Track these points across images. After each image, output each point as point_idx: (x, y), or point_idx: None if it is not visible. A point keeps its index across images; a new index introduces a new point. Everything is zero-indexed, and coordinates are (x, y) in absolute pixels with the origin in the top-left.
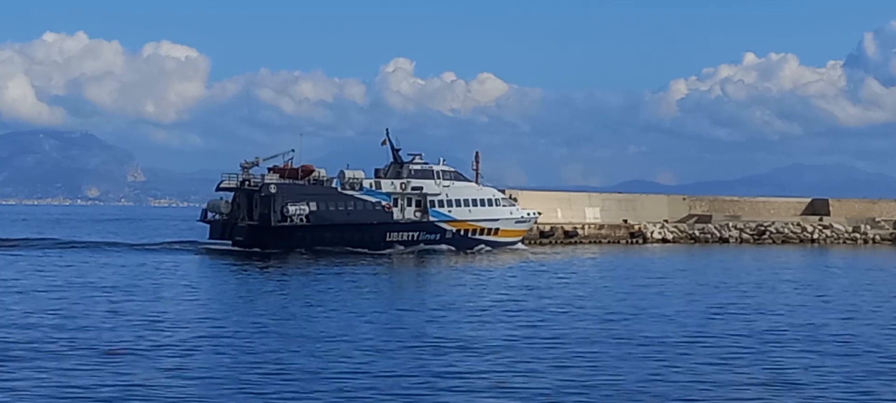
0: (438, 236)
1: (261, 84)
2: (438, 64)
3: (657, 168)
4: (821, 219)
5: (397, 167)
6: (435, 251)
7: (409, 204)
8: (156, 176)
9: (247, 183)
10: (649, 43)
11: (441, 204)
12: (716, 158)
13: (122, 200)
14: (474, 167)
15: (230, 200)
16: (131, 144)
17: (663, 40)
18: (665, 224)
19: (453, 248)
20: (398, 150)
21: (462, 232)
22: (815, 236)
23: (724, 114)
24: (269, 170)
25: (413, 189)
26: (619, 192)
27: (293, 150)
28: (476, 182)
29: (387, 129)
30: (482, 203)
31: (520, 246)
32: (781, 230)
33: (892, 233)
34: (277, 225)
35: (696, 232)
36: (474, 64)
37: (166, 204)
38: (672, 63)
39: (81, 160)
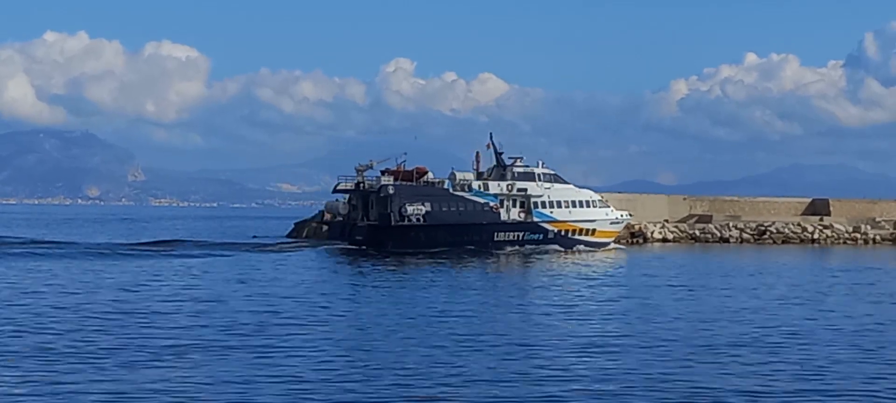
0: (541, 236)
1: (261, 84)
2: (439, 64)
3: (658, 168)
4: (821, 219)
5: (501, 170)
6: (542, 251)
7: (514, 205)
8: (156, 175)
9: (362, 185)
10: (650, 43)
11: (544, 205)
12: (716, 158)
13: (123, 200)
14: (475, 167)
15: (346, 202)
16: (132, 144)
17: (664, 40)
18: (665, 224)
19: (560, 248)
20: (501, 154)
21: (563, 233)
22: (816, 236)
23: (725, 115)
24: (383, 172)
25: (518, 190)
26: (620, 192)
27: (405, 153)
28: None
29: (491, 134)
30: (581, 204)
31: (612, 246)
32: (782, 230)
33: (892, 233)
34: (396, 225)
35: (697, 232)
36: (475, 64)
37: (167, 204)
38: (673, 63)
39: (82, 159)
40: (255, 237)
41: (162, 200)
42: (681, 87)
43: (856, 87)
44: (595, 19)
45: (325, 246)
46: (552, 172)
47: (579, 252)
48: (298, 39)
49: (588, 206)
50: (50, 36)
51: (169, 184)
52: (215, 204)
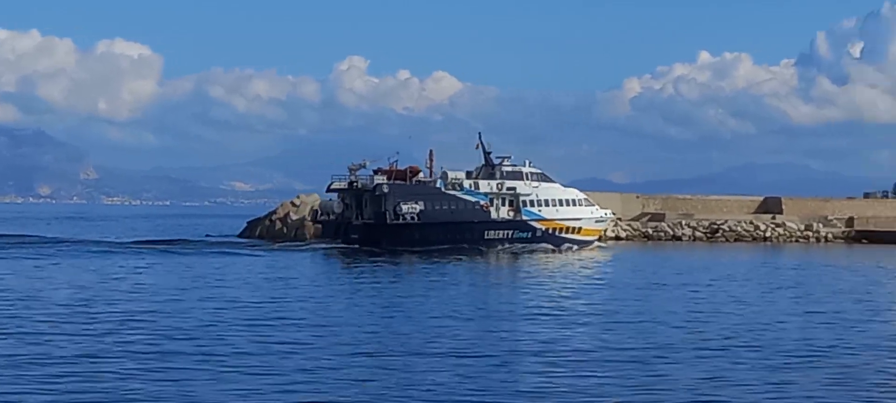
0: (530, 234)
1: (214, 82)
2: (393, 62)
3: (610, 166)
4: (773, 218)
5: (489, 169)
6: (532, 249)
7: (504, 204)
8: (109, 174)
9: (355, 184)
10: (603, 41)
11: (532, 203)
12: (669, 157)
13: (75, 198)
14: (428, 165)
15: (340, 201)
16: (84, 142)
17: (617, 39)
18: (618, 222)
19: (549, 246)
20: (489, 153)
21: (551, 231)
22: (768, 234)
23: (678, 113)
24: (375, 171)
25: (507, 189)
26: None
27: (398, 153)
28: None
29: (480, 134)
30: (567, 203)
31: (596, 243)
32: (734, 228)
33: (844, 232)
34: (392, 224)
35: (650, 231)
36: (429, 62)
37: (119, 203)
38: (626, 61)
39: (33, 158)
40: (207, 236)
41: (114, 199)
42: (634, 86)
43: (808, 86)
44: (548, 18)
45: (321, 246)
46: (539, 171)
47: (569, 250)
48: (251, 38)
49: (574, 205)
50: (1, 34)
51: (121, 182)
52: (168, 203)
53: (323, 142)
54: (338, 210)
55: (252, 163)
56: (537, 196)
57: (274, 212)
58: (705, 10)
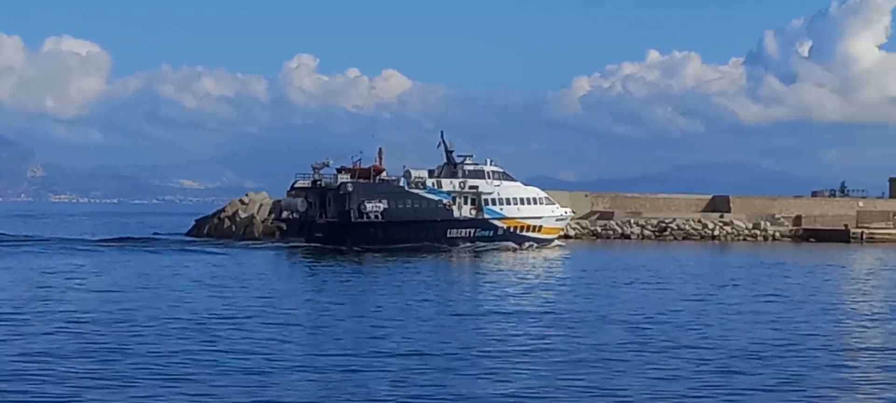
0: (492, 233)
1: (163, 80)
2: (342, 60)
3: (560, 165)
4: (721, 216)
5: (451, 167)
6: (494, 247)
7: (466, 202)
8: (56, 171)
9: (318, 182)
10: (552, 40)
11: (494, 202)
12: (618, 155)
13: (22, 196)
14: (378, 163)
15: (304, 199)
16: (31, 140)
17: (566, 37)
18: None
19: (511, 244)
20: (451, 152)
21: (512, 229)
22: (716, 233)
23: (627, 112)
24: (339, 169)
25: (470, 188)
26: None
27: (361, 151)
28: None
29: (442, 132)
30: (528, 201)
31: (556, 242)
32: (683, 227)
33: (791, 230)
34: (356, 222)
35: (598, 229)
36: (378, 60)
37: (67, 200)
38: (575, 60)
39: None
40: (155, 234)
41: (61, 196)
42: (583, 84)
43: (756, 85)
44: (498, 16)
45: (284, 244)
46: (501, 170)
47: (530, 248)
48: (201, 36)
49: (535, 203)
50: None
51: (69, 180)
52: (116, 201)
53: (272, 140)
54: (301, 208)
55: (201, 161)
56: (499, 194)
57: (222, 210)
58: (654, 8)
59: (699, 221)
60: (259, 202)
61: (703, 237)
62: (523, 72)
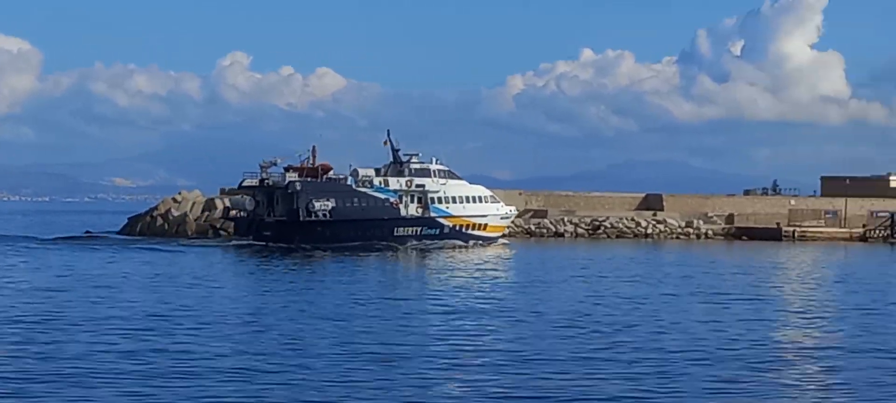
0: (438, 231)
1: (95, 77)
2: (276, 58)
3: (494, 163)
4: (654, 214)
5: (397, 166)
6: (441, 245)
7: (412, 201)
8: None
9: (267, 181)
10: (486, 38)
11: (440, 200)
12: (552, 154)
13: None
14: (311, 161)
15: (252, 198)
16: None
17: (500, 36)
18: None
19: (457, 242)
20: (397, 150)
21: (458, 227)
22: (649, 231)
23: (560, 110)
24: (287, 168)
25: (416, 186)
26: None
27: (309, 150)
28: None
29: (388, 131)
30: (473, 199)
31: (501, 240)
32: (616, 225)
33: (724, 228)
34: (304, 221)
35: (532, 227)
36: (312, 58)
37: None
38: (509, 59)
39: None
40: (87, 232)
41: None
42: (517, 83)
43: (689, 84)
44: (432, 14)
45: (233, 243)
46: (446, 168)
47: (476, 246)
48: (134, 33)
49: (480, 202)
50: None
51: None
52: (47, 199)
53: (205, 138)
54: (249, 207)
55: (134, 158)
56: (445, 193)
57: (155, 209)
58: (589, 7)
59: (632, 219)
60: (192, 200)
61: (636, 235)
62: (458, 71)
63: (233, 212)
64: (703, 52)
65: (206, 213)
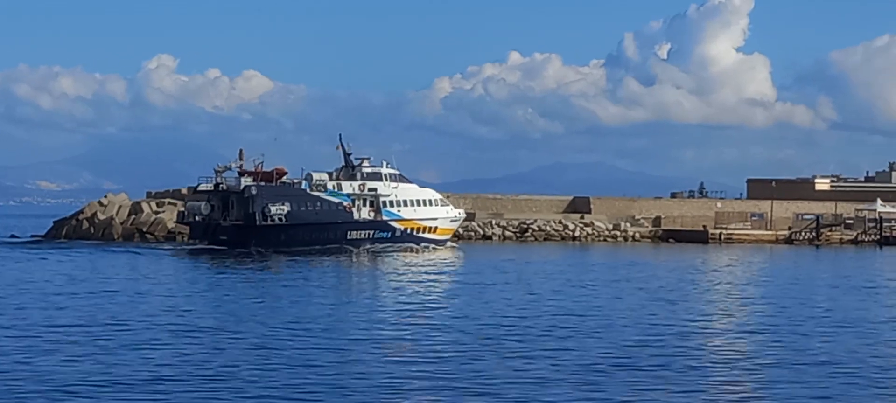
0: (390, 234)
1: (19, 79)
2: (202, 60)
3: (421, 166)
4: (582, 217)
5: (350, 170)
6: (392, 248)
7: (365, 205)
8: None
9: (221, 186)
10: (413, 41)
11: (391, 204)
12: (479, 156)
13: None
14: (239, 164)
15: (207, 202)
16: None
17: (428, 38)
18: None
19: (409, 245)
20: (349, 154)
21: (409, 231)
22: (577, 234)
23: (487, 113)
24: (241, 172)
25: (369, 190)
26: None
27: (263, 154)
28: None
29: (340, 135)
30: (424, 203)
31: (450, 243)
32: (544, 228)
33: (651, 231)
34: (260, 225)
35: (460, 230)
36: (239, 61)
37: None
38: (436, 61)
39: None
40: (13, 236)
41: None
42: (444, 85)
43: (615, 87)
44: (359, 17)
45: (190, 247)
46: (397, 172)
47: (426, 249)
48: (58, 35)
49: (430, 205)
50: None
51: None
52: None
53: (131, 140)
54: (205, 211)
55: (58, 161)
56: (396, 196)
57: (81, 212)
58: (516, 10)
59: (560, 222)
60: (118, 204)
61: (563, 238)
62: (385, 73)
63: (188, 217)
64: (629, 55)
65: (133, 217)
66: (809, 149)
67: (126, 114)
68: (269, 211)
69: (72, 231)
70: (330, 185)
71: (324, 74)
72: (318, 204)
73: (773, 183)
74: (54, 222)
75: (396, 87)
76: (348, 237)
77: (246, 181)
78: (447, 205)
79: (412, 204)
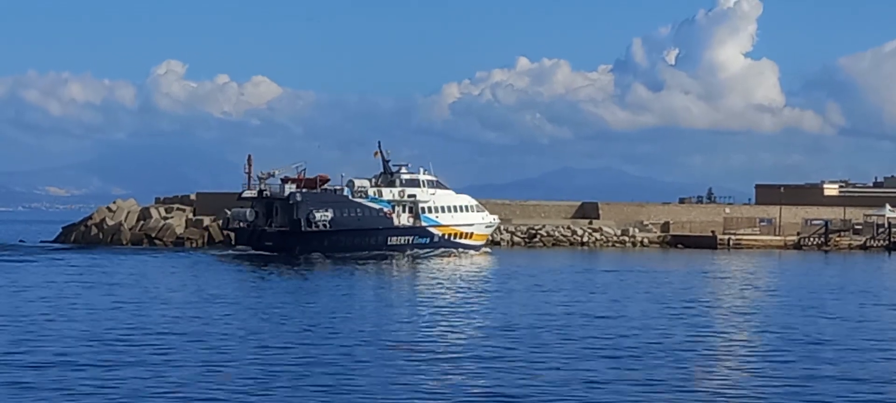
0: (428, 240)
1: (28, 85)
2: (211, 66)
3: (429, 171)
4: (590, 223)
5: (388, 176)
6: (431, 254)
7: (404, 211)
8: None
9: (265, 192)
10: (422, 46)
11: (430, 210)
12: (487, 162)
13: None
14: (246, 170)
15: (252, 209)
16: None
17: (436, 44)
18: None
19: (448, 251)
20: (388, 161)
21: (447, 236)
22: (585, 239)
23: (495, 118)
24: (284, 179)
25: (408, 196)
26: None
27: (305, 162)
28: (249, 186)
29: (379, 142)
30: (460, 209)
31: (484, 248)
32: (552, 233)
33: (659, 236)
34: (306, 231)
35: None
36: (248, 66)
37: None
38: (445, 67)
39: None
40: (21, 241)
41: None
42: (453, 91)
43: (624, 92)
44: (366, 22)
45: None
46: (435, 178)
47: (463, 254)
48: (67, 41)
49: (466, 211)
50: None
51: None
52: None
53: (140, 146)
54: (249, 218)
55: (67, 167)
56: (434, 203)
57: (89, 218)
58: (525, 15)
59: (568, 228)
60: (127, 209)
61: (572, 243)
62: (393, 79)
63: (233, 224)
64: (638, 60)
65: (142, 223)
66: (818, 155)
67: (135, 120)
68: (314, 217)
69: (80, 236)
70: (371, 192)
71: (332, 80)
72: (361, 210)
73: (782, 188)
74: (63, 228)
75: (405, 93)
76: (389, 243)
77: (290, 188)
78: (483, 211)
79: (450, 211)
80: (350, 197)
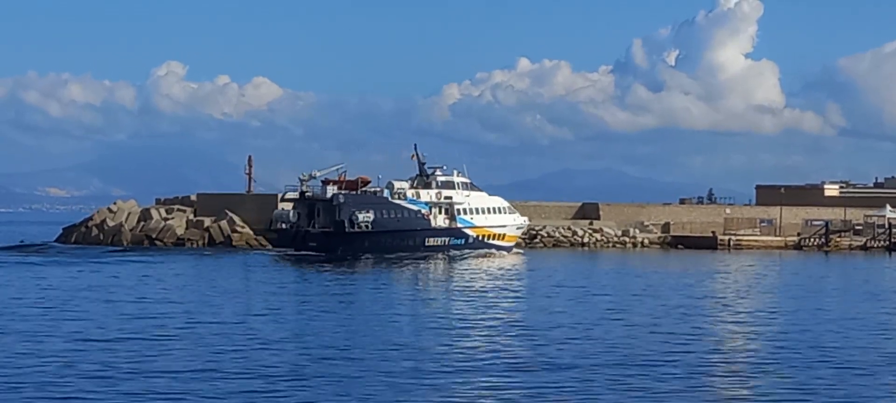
0: (464, 241)
1: (28, 86)
2: (212, 67)
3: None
4: (591, 223)
5: (424, 178)
6: (466, 254)
7: (441, 212)
8: None
9: (307, 194)
10: (422, 47)
11: (465, 211)
12: (487, 163)
13: None
14: (247, 171)
15: (294, 210)
16: None
17: (437, 45)
18: None
19: (481, 251)
20: (424, 163)
21: (481, 238)
22: (586, 240)
23: (496, 119)
24: (325, 181)
25: (444, 198)
26: None
27: (345, 165)
28: (249, 187)
29: (415, 145)
30: (494, 211)
31: (515, 249)
32: (552, 234)
33: (660, 237)
34: (348, 232)
35: None
36: (248, 68)
37: None
38: (445, 68)
39: None
40: (22, 241)
41: None
42: (453, 92)
43: (624, 93)
44: (367, 23)
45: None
46: (469, 181)
47: (497, 255)
48: (67, 42)
49: (500, 213)
50: None
51: None
52: None
53: (140, 147)
54: (293, 219)
55: (68, 168)
56: (469, 204)
57: (90, 219)
58: (525, 16)
59: (569, 228)
60: (127, 210)
61: (572, 244)
62: (393, 80)
63: (277, 225)
64: (638, 61)
65: (142, 223)
66: (818, 156)
67: (135, 121)
68: (356, 218)
69: (81, 237)
70: (409, 194)
71: (332, 81)
72: (400, 212)
73: (782, 189)
74: (64, 228)
75: (405, 94)
76: (426, 243)
77: (332, 190)
78: (514, 213)
79: (484, 212)
80: (389, 198)
